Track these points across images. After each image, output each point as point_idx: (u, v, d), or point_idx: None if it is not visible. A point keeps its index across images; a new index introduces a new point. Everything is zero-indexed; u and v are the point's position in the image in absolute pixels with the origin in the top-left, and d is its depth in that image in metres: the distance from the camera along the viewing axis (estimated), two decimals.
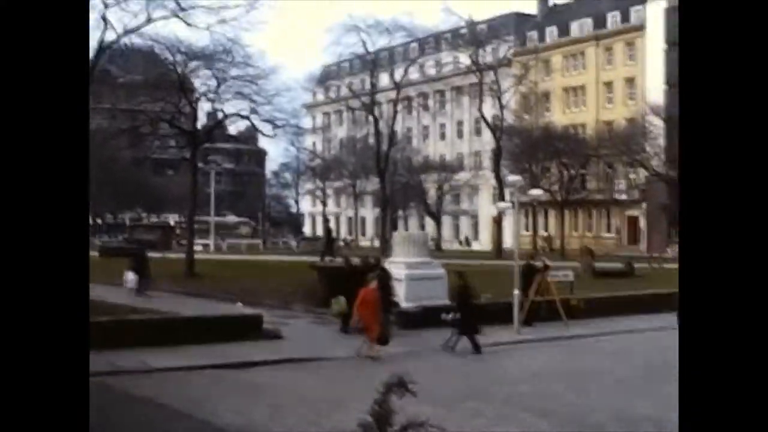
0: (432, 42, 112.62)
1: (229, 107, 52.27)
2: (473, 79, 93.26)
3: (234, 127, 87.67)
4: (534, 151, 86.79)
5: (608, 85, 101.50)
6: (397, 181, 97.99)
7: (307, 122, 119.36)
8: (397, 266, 30.89)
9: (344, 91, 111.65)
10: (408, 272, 30.28)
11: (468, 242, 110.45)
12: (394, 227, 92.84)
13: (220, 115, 54.39)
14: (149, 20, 43.20)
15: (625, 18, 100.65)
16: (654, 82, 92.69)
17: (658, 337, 28.03)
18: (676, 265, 42.44)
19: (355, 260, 32.86)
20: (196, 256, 52.76)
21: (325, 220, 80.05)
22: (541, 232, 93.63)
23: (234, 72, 49.59)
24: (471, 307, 24.72)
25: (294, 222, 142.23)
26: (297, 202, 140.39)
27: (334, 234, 62.67)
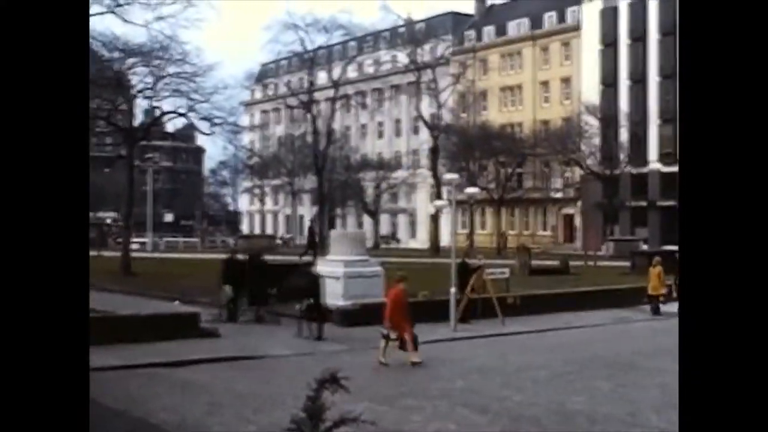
0: (370, 40, 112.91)
1: (167, 104, 52.01)
2: (411, 77, 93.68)
3: (171, 125, 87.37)
4: (471, 149, 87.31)
5: (545, 84, 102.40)
6: (335, 179, 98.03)
7: (245, 120, 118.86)
8: (334, 264, 30.98)
9: (282, 89, 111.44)
10: (345, 270, 30.37)
11: (395, 239, 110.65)
12: (332, 225, 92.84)
13: (157, 112, 54.10)
14: None
15: (561, 18, 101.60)
16: (589, 81, 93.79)
17: (592, 333, 28.44)
18: (610, 263, 43.11)
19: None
20: (133, 254, 52.36)
21: (311, 221, 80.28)
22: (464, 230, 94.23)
23: (171, 69, 49.26)
24: (318, 297, 25.89)
25: (232, 220, 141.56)
26: (235, 200, 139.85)
27: (316, 234, 63.51)
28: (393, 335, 21.01)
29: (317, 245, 57.17)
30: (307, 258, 43.25)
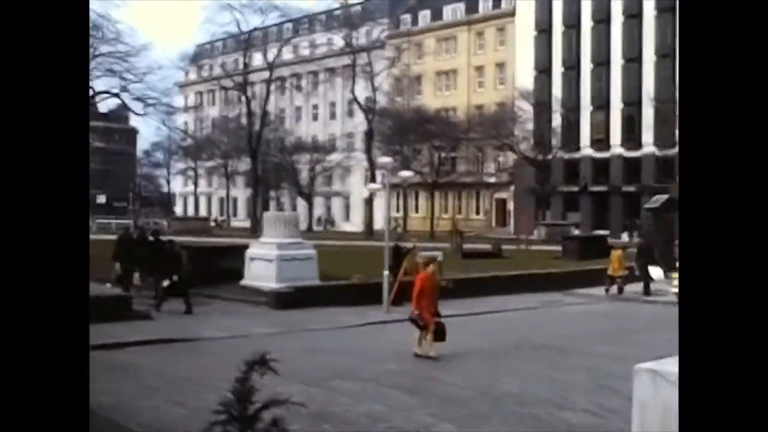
0: (306, 23, 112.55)
1: (100, 84, 51.52)
2: (347, 60, 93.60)
3: (104, 105, 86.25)
4: (406, 133, 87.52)
5: (479, 69, 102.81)
6: (269, 162, 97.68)
7: (179, 101, 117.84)
8: (268, 246, 30.95)
9: (217, 71, 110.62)
10: (279, 253, 30.36)
11: (331, 223, 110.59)
12: (266, 208, 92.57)
13: (90, 92, 53.41)
14: None
15: (497, 4, 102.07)
16: (524, 67, 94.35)
17: (523, 317, 28.75)
18: (542, 247, 43.30)
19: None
20: None
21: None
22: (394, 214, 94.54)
23: (104, 48, 48.81)
24: (182, 274, 26.63)
25: (165, 202, 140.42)
26: (168, 181, 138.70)
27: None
28: (420, 321, 19.46)
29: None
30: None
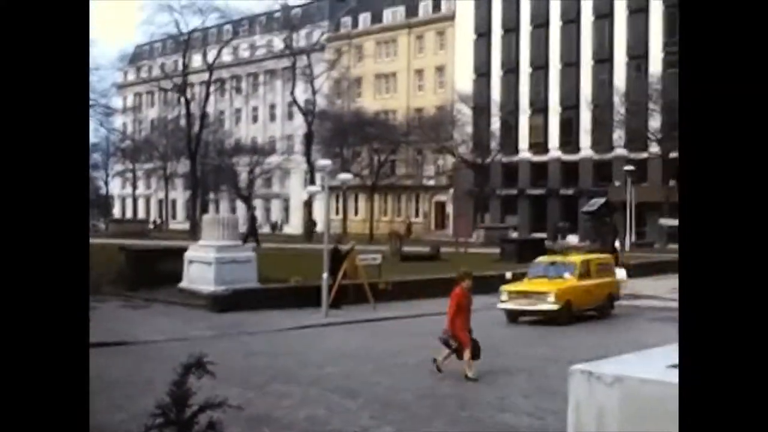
0: (246, 24, 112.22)
1: None
2: (286, 62, 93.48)
3: None
4: (345, 135, 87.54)
5: (419, 72, 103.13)
6: (208, 164, 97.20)
7: (117, 102, 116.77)
8: (206, 249, 30.80)
9: (156, 72, 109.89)
10: (217, 255, 30.24)
11: (280, 227, 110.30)
12: (205, 210, 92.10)
13: None
14: None
15: (437, 7, 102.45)
16: (463, 70, 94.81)
17: None
18: (480, 250, 43.53)
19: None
20: None
21: (250, 208, 79.68)
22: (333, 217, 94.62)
23: None
24: None
25: (103, 204, 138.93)
26: (107, 183, 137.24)
27: (258, 222, 64.65)
28: (453, 343, 18.05)
29: (257, 233, 58.24)
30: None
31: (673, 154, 74.92)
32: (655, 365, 4.90)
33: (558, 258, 31.71)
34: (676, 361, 5.04)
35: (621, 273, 37.53)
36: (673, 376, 4.61)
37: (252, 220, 63.19)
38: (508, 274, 34.43)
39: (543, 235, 72.69)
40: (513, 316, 27.33)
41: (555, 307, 26.43)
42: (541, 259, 31.74)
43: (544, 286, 27.20)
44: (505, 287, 28.35)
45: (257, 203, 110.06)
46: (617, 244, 41.64)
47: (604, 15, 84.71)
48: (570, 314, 26.78)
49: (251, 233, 59.43)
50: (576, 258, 30.71)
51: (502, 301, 27.35)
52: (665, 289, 37.92)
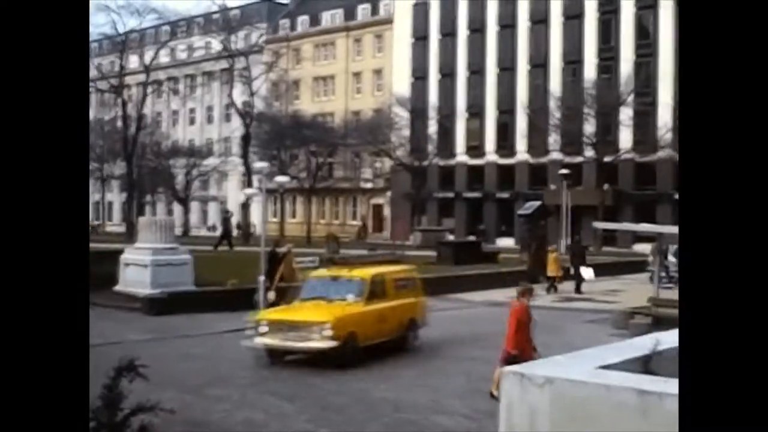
0: (184, 26, 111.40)
1: None
2: (224, 64, 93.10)
3: None
4: (283, 138, 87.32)
5: (357, 75, 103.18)
6: (145, 166, 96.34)
7: None
8: (142, 252, 30.61)
9: (93, 73, 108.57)
10: (153, 258, 30.07)
11: (215, 229, 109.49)
12: (141, 212, 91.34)
13: None
14: None
15: (375, 11, 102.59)
16: (401, 74, 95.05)
17: None
18: (417, 252, 43.61)
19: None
20: None
21: (225, 211, 79.08)
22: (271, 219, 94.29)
23: None
24: None
25: None
26: None
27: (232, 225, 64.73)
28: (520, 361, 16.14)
29: (231, 235, 58.21)
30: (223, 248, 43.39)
31: (608, 158, 75.90)
32: (585, 366, 5.00)
33: (342, 272, 22.66)
34: (606, 362, 5.16)
35: (588, 272, 38.58)
36: (602, 378, 4.73)
37: (226, 222, 62.93)
38: (271, 295, 26.84)
39: (472, 237, 73.18)
40: (275, 355, 19.92)
41: (331, 343, 18.97)
42: (319, 272, 24.23)
43: (317, 314, 19.91)
44: (264, 314, 21.79)
45: (194, 206, 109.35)
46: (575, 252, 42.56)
47: (540, 21, 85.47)
48: (354, 351, 19.59)
49: (226, 236, 59.40)
50: (364, 272, 22.21)
51: (261, 334, 19.84)
52: (600, 290, 38.47)
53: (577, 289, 38.21)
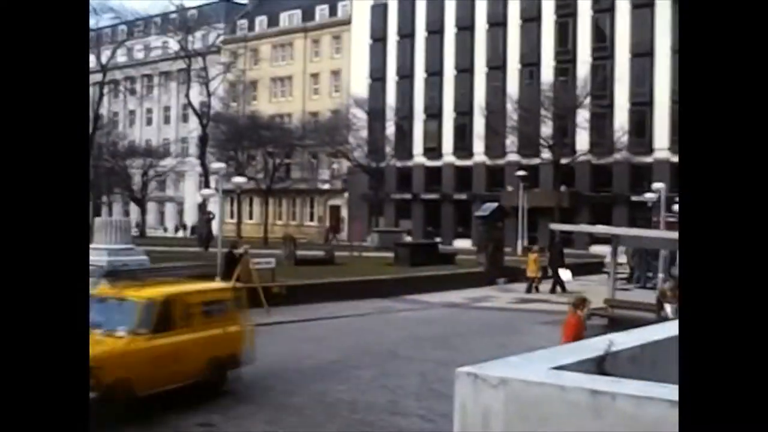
0: (141, 25, 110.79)
1: None
2: (182, 64, 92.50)
3: None
4: (240, 138, 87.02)
5: (315, 76, 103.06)
6: (101, 166, 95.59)
7: None
8: (98, 253, 30.40)
9: None
10: (109, 259, 29.86)
11: (184, 228, 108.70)
12: (97, 213, 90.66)
13: None
14: None
15: (333, 12, 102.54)
16: (358, 75, 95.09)
17: (356, 323, 29.03)
18: (375, 254, 43.50)
19: None
20: None
21: (206, 213, 78.69)
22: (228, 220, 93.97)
23: None
24: None
25: None
26: None
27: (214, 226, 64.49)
28: None
29: (212, 237, 58.20)
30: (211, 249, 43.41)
31: (564, 160, 76.36)
32: (539, 367, 5.03)
33: (125, 292, 16.43)
34: (560, 362, 5.20)
35: (566, 274, 39.15)
36: (556, 378, 4.77)
37: (208, 223, 62.68)
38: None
39: (437, 239, 73.38)
40: None
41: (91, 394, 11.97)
42: (99, 290, 17.53)
43: None
44: None
45: (151, 206, 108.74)
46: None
47: (498, 23, 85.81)
48: (129, 402, 14.33)
49: (207, 237, 59.27)
50: (151, 293, 16.06)
51: None
52: (556, 291, 38.69)
53: (553, 290, 38.84)
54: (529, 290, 38.97)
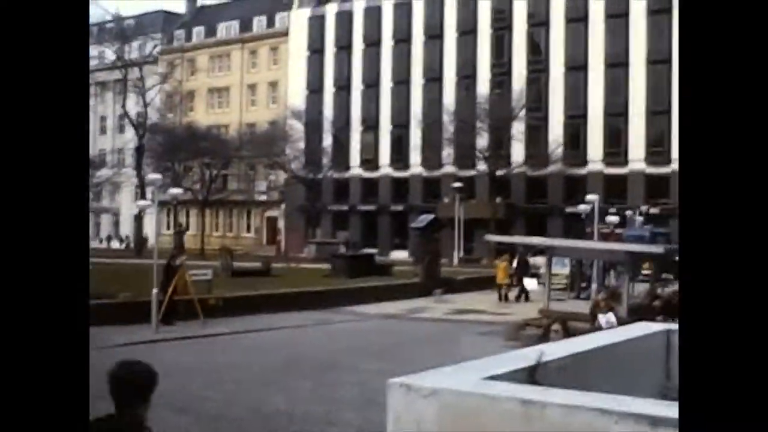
0: None
1: None
2: (118, 74, 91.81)
3: None
4: (177, 150, 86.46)
5: (252, 87, 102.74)
6: None
7: None
8: None
9: None
10: None
11: (120, 240, 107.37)
12: None
13: None
14: None
15: (271, 23, 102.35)
16: (296, 86, 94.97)
17: (293, 334, 29.02)
18: (312, 265, 43.42)
19: None
20: None
21: (179, 225, 77.58)
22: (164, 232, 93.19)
23: None
24: None
25: None
26: None
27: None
28: None
29: (183, 248, 57.68)
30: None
31: (500, 172, 76.96)
32: (471, 377, 5.13)
33: None
34: (492, 372, 5.31)
35: (532, 283, 39.67)
36: (488, 388, 4.87)
37: (179, 235, 62.09)
38: None
39: (373, 250, 73.49)
40: None
41: None
42: None
43: None
44: None
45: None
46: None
47: (434, 36, 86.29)
48: None
49: (178, 246, 58.60)
50: None
51: None
52: (491, 303, 39.00)
53: (518, 298, 40.07)
54: (501, 298, 40.27)
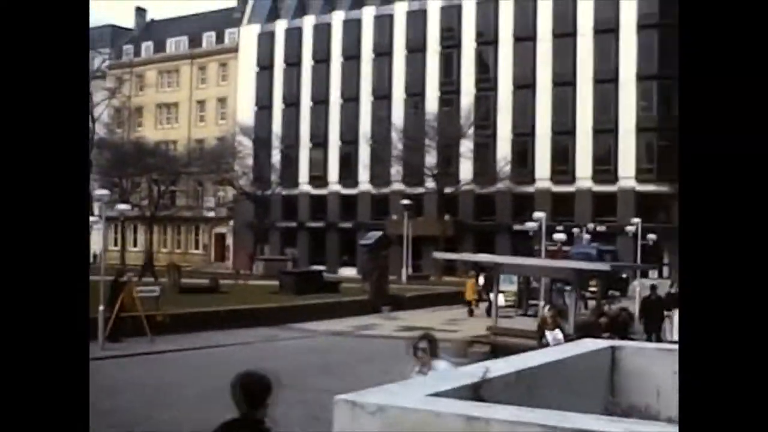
0: None
1: None
2: None
3: None
4: (124, 165, 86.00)
5: (201, 103, 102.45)
6: None
7: None
8: None
9: None
10: None
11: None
12: None
13: None
14: None
15: (220, 39, 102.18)
16: (245, 103, 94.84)
17: (241, 351, 28.89)
18: (260, 282, 43.32)
19: None
20: None
21: (149, 244, 76.56)
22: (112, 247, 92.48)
23: None
24: None
25: None
26: None
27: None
28: None
29: (154, 266, 57.20)
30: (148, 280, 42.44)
31: (448, 189, 77.31)
32: (416, 394, 5.16)
33: None
34: (438, 389, 5.35)
35: (500, 299, 40.08)
36: (432, 405, 4.91)
37: (149, 254, 61.95)
38: None
39: (321, 267, 73.42)
40: None
41: None
42: None
43: None
44: None
45: None
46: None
47: (383, 53, 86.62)
48: None
49: (148, 264, 58.31)
50: None
51: None
52: (440, 320, 39.07)
53: (489, 311, 39.82)
54: (469, 313, 41.58)
